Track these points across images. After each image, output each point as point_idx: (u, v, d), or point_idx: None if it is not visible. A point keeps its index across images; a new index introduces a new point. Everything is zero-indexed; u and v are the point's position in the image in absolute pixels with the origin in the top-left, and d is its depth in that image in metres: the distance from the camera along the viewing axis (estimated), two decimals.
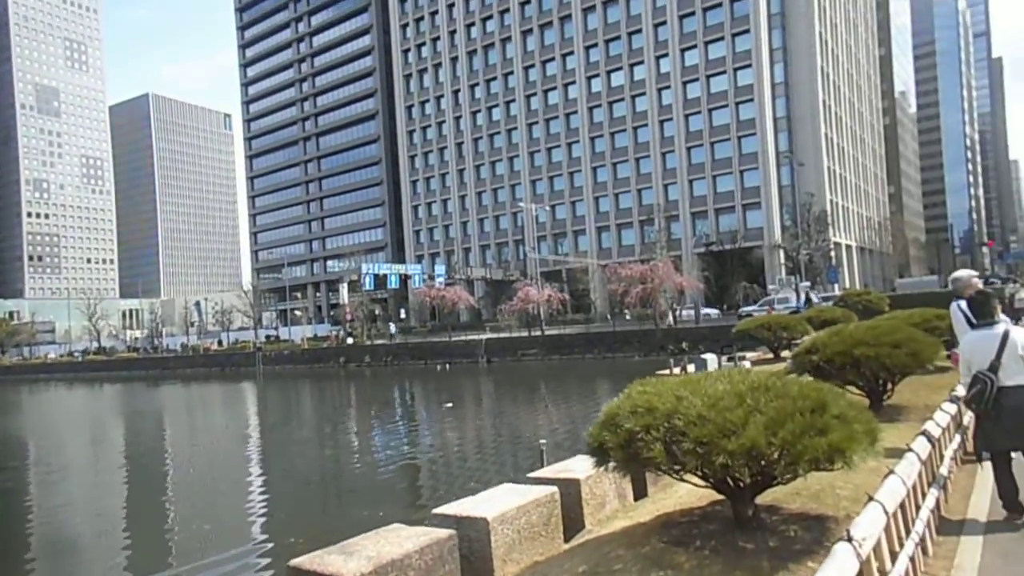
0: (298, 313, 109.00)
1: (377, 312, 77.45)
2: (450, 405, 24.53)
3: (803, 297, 34.48)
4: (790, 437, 3.34)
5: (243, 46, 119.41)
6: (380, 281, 56.02)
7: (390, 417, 25.47)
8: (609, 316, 49.55)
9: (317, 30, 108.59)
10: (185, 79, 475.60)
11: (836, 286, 46.93)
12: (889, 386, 7.57)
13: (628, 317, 45.67)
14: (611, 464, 3.88)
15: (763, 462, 3.42)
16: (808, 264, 54.19)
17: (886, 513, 2.81)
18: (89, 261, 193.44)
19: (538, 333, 43.39)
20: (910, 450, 3.88)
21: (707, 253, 64.56)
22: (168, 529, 12.13)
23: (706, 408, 3.53)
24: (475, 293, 77.83)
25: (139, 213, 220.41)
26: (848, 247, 72.66)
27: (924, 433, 4.42)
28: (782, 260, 48.59)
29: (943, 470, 4.71)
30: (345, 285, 59.22)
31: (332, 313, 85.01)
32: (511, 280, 57.97)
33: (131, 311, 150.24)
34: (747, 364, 14.46)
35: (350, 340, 54.89)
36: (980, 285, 6.00)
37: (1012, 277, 39.17)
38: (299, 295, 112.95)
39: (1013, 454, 4.45)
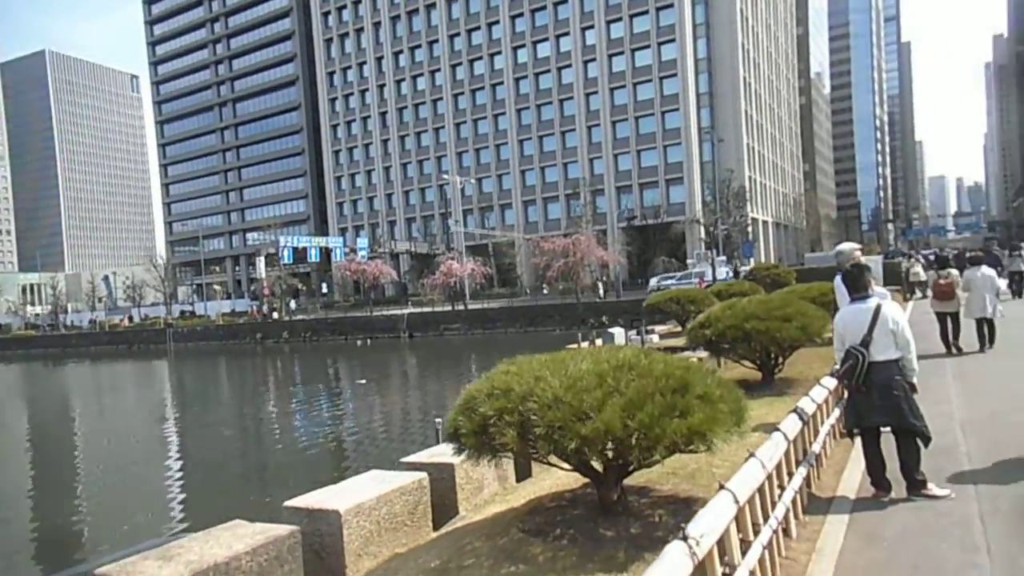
0: (217, 288, 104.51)
1: (300, 286, 75.18)
2: (363, 382, 23.95)
3: (728, 271, 35.49)
4: (648, 420, 3.10)
5: (148, 1, 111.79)
6: (300, 255, 54.13)
7: (298, 396, 24.62)
8: (529, 291, 49.72)
9: None
10: (88, 35, 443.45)
11: (751, 260, 48.58)
12: (780, 360, 7.62)
13: (546, 291, 45.90)
14: (464, 453, 3.56)
15: (619, 447, 3.18)
16: (726, 239, 55.88)
17: (737, 502, 2.62)
18: None
19: (461, 308, 43.02)
20: (777, 429, 3.74)
21: (631, 228, 65.54)
22: (24, 526, 11.20)
23: (563, 390, 3.26)
24: (400, 267, 76.65)
25: (39, 180, 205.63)
26: (765, 222, 75.32)
27: (796, 410, 4.32)
28: (702, 235, 49.76)
29: (815, 447, 4.64)
30: (262, 258, 56.87)
31: (252, 288, 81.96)
32: (436, 254, 57.20)
33: (32, 286, 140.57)
34: (655, 338, 14.58)
35: (275, 315, 52.89)
36: (861, 258, 5.99)
37: (910, 253, 41.40)
38: (217, 269, 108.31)
39: (882, 430, 4.39)
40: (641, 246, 62.93)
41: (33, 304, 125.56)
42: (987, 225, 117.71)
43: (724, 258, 43.47)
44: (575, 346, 17.98)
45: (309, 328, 46.55)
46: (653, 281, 40.41)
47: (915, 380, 4.47)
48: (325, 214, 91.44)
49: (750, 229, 64.54)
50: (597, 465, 3.40)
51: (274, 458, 14.93)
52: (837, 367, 4.79)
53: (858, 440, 4.64)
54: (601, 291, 42.46)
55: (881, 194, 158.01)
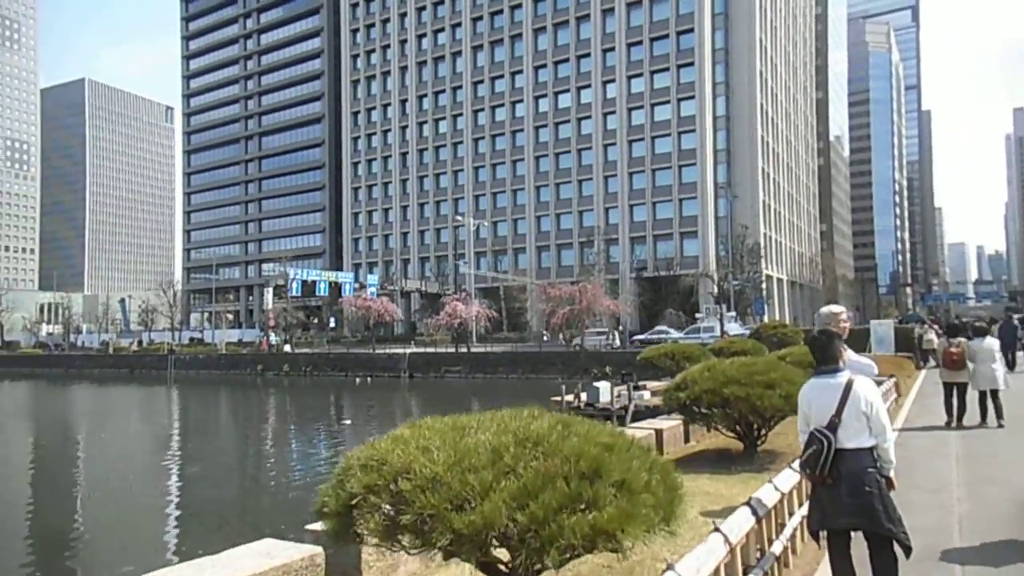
0: (230, 317, 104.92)
1: (309, 319, 74.99)
2: (348, 422, 23.22)
3: (741, 327, 34.64)
4: (541, 513, 2.50)
5: (187, 37, 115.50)
6: (309, 288, 54.03)
7: (278, 434, 23.95)
8: (540, 337, 48.93)
9: (266, 28, 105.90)
10: (127, 63, 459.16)
11: (763, 318, 47.66)
12: (763, 430, 6.94)
13: (546, 338, 45.15)
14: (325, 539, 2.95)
15: (507, 544, 2.57)
16: (740, 295, 55.05)
17: None
18: (7, 249, 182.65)
19: (464, 350, 42.36)
20: (717, 530, 3.07)
21: (643, 278, 64.97)
22: None
23: (445, 467, 2.67)
24: (411, 306, 76.41)
25: (67, 203, 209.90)
26: (779, 280, 74.43)
27: (750, 503, 3.65)
28: (712, 290, 49.07)
29: (776, 546, 3.92)
30: (270, 289, 56.83)
31: (260, 319, 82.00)
32: (445, 294, 56.84)
33: (49, 304, 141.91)
34: (646, 394, 13.90)
35: (287, 347, 52.40)
36: (846, 323, 5.34)
37: (923, 319, 40.09)
38: (232, 297, 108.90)
39: (853, 534, 3.63)
40: (653, 297, 62.20)
41: (49, 323, 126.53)
42: (1008, 294, 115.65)
43: (734, 314, 42.62)
44: (557, 398, 17.35)
45: (310, 362, 46.03)
46: (642, 336, 39.87)
47: (893, 474, 3.70)
48: (341, 249, 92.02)
49: (764, 286, 63.70)
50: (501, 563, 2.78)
51: (193, 505, 14.11)
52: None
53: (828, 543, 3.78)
54: (616, 340, 41.63)
55: (899, 258, 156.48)
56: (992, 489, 6.22)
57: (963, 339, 10.79)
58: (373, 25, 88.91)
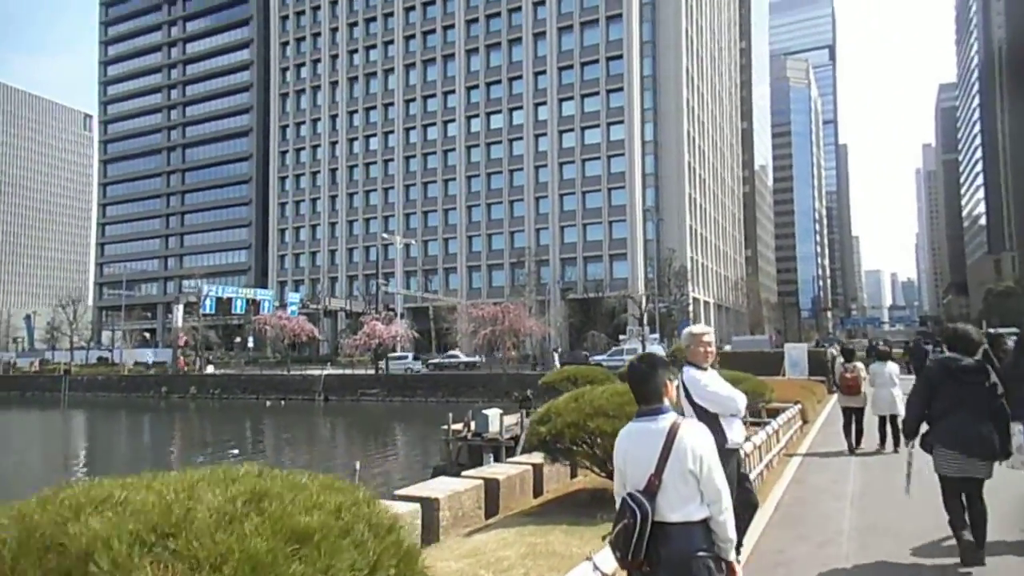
0: (147, 335, 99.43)
1: (232, 339, 71.60)
2: (236, 452, 21.63)
3: (657, 349, 34.44)
4: None
5: (105, 42, 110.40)
6: (225, 305, 51.39)
7: (154, 464, 22.08)
8: (468, 357, 47.81)
9: (192, 37, 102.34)
10: (47, 72, 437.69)
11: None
12: None
13: (482, 359, 44.13)
14: None
15: None
16: (667, 317, 55.62)
17: None
18: None
19: (383, 372, 40.94)
20: None
21: (573, 300, 65.01)
22: None
23: None
24: (338, 326, 74.08)
25: None
26: (706, 303, 75.96)
27: None
28: (640, 311, 49.35)
29: None
30: (180, 307, 53.84)
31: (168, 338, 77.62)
32: (370, 313, 55.17)
33: None
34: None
35: (210, 368, 49.05)
36: (710, 347, 4.53)
37: (837, 341, 40.96)
38: (149, 315, 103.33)
39: None
40: (582, 319, 62.22)
41: None
42: (919, 319, 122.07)
43: (657, 336, 42.79)
44: (445, 427, 16.46)
45: (219, 384, 43.48)
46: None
47: (734, 557, 2.75)
48: (267, 266, 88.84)
49: (691, 308, 64.75)
50: None
51: None
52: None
53: None
54: (557, 361, 40.82)
55: (820, 283, 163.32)
56: (884, 541, 5.60)
57: (858, 363, 10.68)
58: (304, 39, 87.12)
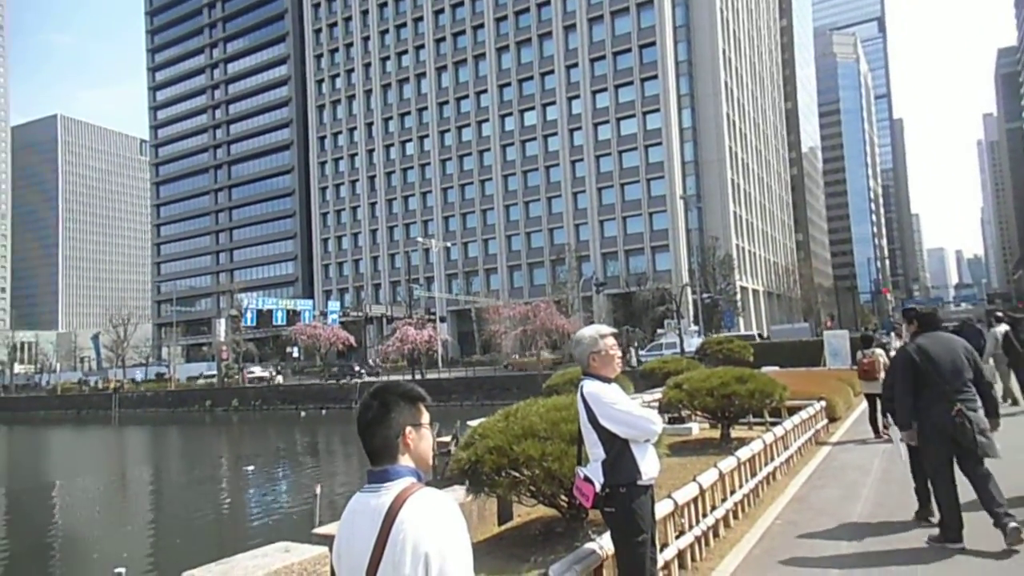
0: (204, 350, 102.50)
1: (283, 351, 72.86)
2: (251, 468, 21.53)
3: (695, 341, 33.20)
4: None
5: (153, 69, 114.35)
6: (265, 317, 52.15)
7: (170, 480, 22.34)
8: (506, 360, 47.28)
9: (232, 57, 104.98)
10: (104, 103, 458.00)
11: (732, 330, 46.42)
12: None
13: (506, 364, 43.17)
14: None
15: None
16: (712, 308, 53.84)
17: None
18: None
19: (419, 376, 40.73)
20: None
21: (615, 295, 63.71)
22: None
23: None
24: (383, 332, 74.55)
25: (39, 239, 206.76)
26: (755, 291, 73.53)
27: None
28: (676, 303, 47.78)
29: None
30: (222, 321, 54.87)
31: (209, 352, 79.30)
32: (411, 318, 55.24)
33: (23, 343, 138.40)
34: None
35: (279, 378, 49.42)
36: (614, 351, 3.65)
37: (893, 325, 38.53)
38: (205, 329, 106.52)
39: None
40: (625, 314, 60.90)
41: (23, 363, 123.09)
42: (987, 297, 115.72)
43: (697, 328, 41.29)
44: (443, 439, 15.80)
45: (259, 396, 44.02)
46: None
47: None
48: (313, 276, 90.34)
49: (739, 298, 62.68)
50: None
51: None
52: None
53: None
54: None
55: (878, 264, 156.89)
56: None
57: (877, 349, 10.49)
58: (337, 50, 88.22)
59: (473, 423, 14.04)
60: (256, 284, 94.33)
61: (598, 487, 3.43)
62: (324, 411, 38.83)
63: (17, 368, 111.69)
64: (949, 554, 4.71)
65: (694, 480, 4.99)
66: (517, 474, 4.68)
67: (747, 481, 6.14)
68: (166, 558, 12.22)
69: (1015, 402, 11.62)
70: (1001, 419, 5.05)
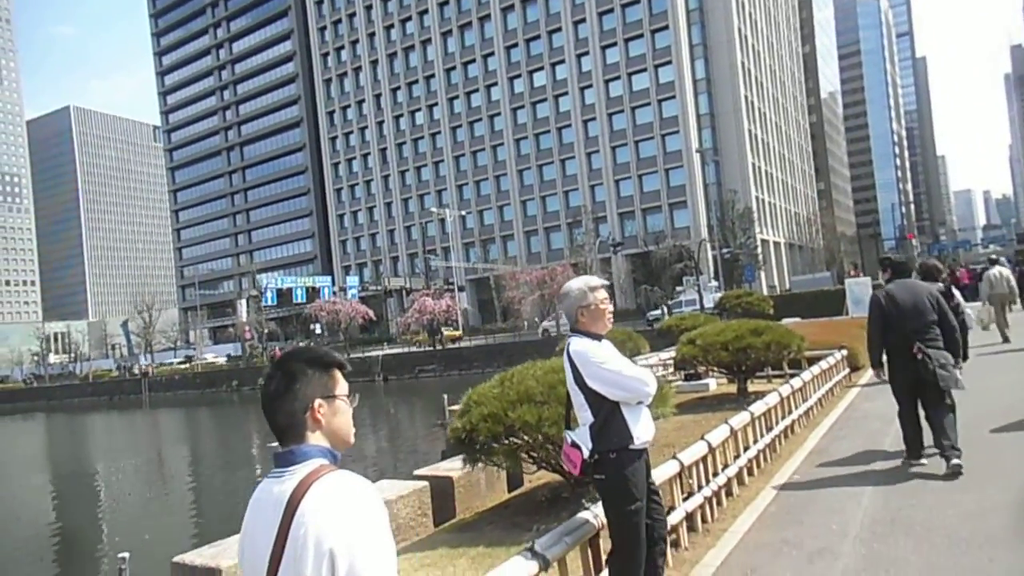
0: (230, 331, 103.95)
1: (307, 328, 73.51)
2: (274, 445, 21.57)
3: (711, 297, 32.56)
4: None
5: (159, 53, 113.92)
6: (286, 295, 52.38)
7: (196, 458, 22.65)
8: (532, 326, 47.11)
9: (236, 36, 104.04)
10: (117, 92, 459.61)
11: (752, 285, 45.66)
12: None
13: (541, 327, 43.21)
14: None
15: None
16: (733, 263, 52.90)
17: None
18: (8, 283, 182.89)
19: (439, 347, 40.70)
20: None
21: (634, 254, 62.95)
22: None
23: None
24: (403, 304, 74.75)
25: (63, 231, 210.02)
26: (776, 243, 72.25)
27: None
28: (695, 259, 47.03)
29: None
30: (244, 302, 55.28)
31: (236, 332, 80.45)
32: (430, 289, 55.24)
33: (56, 334, 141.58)
34: None
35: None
36: (604, 304, 3.28)
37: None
38: (230, 311, 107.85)
39: None
40: (645, 273, 60.23)
41: (57, 353, 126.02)
42: (1017, 237, 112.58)
43: (716, 283, 40.60)
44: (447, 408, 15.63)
45: None
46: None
47: None
48: (331, 252, 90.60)
49: (759, 251, 61.60)
50: None
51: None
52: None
53: None
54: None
55: (903, 210, 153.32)
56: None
57: None
58: (340, 21, 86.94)
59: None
60: (275, 264, 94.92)
61: (586, 453, 3.15)
62: None
63: (52, 358, 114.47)
64: (908, 477, 5.31)
65: (702, 439, 4.67)
66: (515, 441, 4.40)
67: (762, 436, 5.81)
68: (179, 536, 12.30)
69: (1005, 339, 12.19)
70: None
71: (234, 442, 25.25)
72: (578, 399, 3.21)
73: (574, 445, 3.20)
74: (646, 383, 3.15)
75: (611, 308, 3.36)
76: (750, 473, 5.42)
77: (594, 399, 3.14)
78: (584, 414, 3.21)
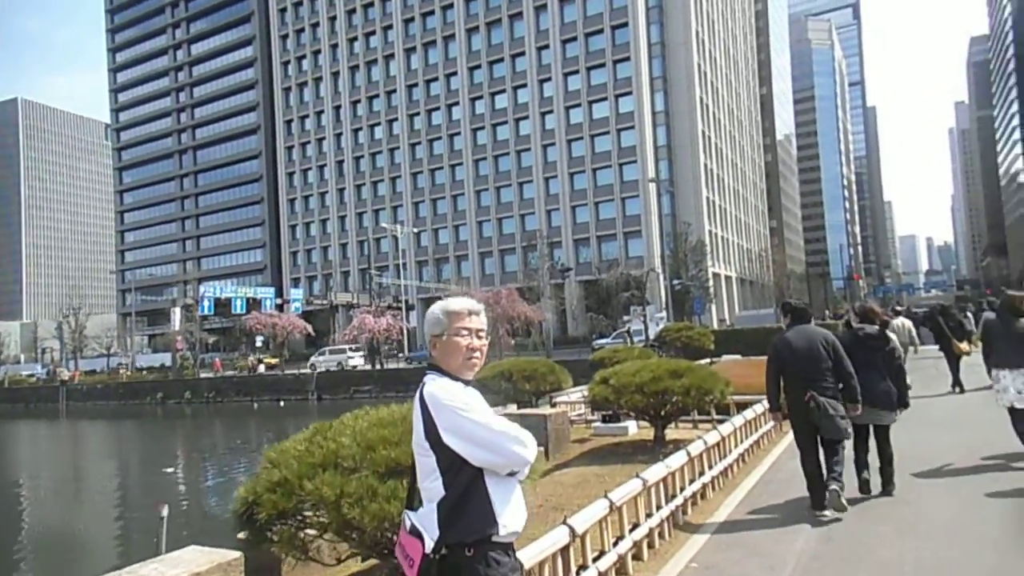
0: (161, 338, 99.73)
1: (219, 340, 70.82)
2: (170, 470, 20.04)
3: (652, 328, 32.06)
4: None
5: (113, 49, 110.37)
6: (223, 305, 50.18)
7: (76, 478, 20.82)
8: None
9: (196, 38, 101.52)
10: (74, 88, 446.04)
11: (700, 317, 45.56)
12: None
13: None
14: None
15: None
16: (684, 294, 52.92)
17: None
18: None
19: (378, 367, 39.27)
20: None
21: (588, 281, 62.60)
22: None
23: None
24: (352, 321, 72.82)
25: (1, 227, 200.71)
26: (727, 277, 72.98)
27: None
28: (641, 290, 46.86)
29: None
30: (178, 310, 52.82)
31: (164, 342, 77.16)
32: (378, 307, 53.72)
33: None
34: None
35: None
36: (481, 335, 2.36)
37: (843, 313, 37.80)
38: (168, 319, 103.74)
39: None
40: (596, 301, 59.85)
41: None
42: (956, 283, 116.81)
43: (663, 315, 40.34)
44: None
45: (213, 387, 42.21)
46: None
47: None
48: (281, 263, 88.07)
49: (711, 284, 61.95)
50: None
51: None
52: None
53: None
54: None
55: (851, 251, 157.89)
56: None
57: None
58: (303, 30, 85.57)
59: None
60: (223, 272, 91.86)
61: (429, 545, 2.07)
62: (281, 403, 37.22)
63: None
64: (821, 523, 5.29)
65: (564, 523, 3.71)
66: (305, 521, 3.35)
67: (658, 510, 4.88)
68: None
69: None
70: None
71: (131, 464, 23.31)
72: (426, 462, 2.15)
73: (413, 532, 2.14)
74: (523, 444, 2.13)
75: (479, 344, 2.32)
76: (636, 558, 4.43)
77: (449, 463, 2.10)
78: (432, 484, 2.12)
